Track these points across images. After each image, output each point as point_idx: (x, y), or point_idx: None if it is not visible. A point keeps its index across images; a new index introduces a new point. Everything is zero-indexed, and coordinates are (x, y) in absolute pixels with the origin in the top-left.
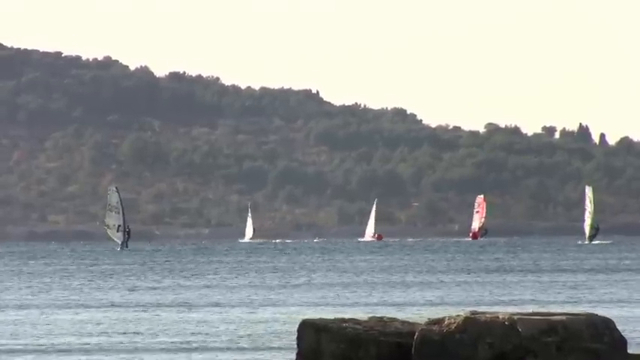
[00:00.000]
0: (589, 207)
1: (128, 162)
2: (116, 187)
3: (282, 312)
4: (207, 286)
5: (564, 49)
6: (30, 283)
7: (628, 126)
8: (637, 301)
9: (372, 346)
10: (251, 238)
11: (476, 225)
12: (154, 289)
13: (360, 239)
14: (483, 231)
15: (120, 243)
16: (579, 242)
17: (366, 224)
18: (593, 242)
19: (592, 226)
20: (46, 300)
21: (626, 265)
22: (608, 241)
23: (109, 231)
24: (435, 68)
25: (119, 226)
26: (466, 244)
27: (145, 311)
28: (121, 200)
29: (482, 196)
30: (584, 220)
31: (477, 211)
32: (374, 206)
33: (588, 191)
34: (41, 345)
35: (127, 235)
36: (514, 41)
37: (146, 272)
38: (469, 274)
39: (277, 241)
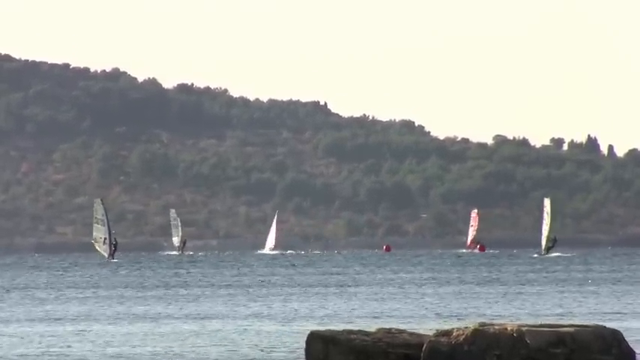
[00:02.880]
0: (546, 218)
1: (136, 174)
2: (101, 200)
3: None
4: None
5: (572, 61)
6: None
7: (636, 138)
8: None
9: (380, 358)
10: (182, 250)
11: (469, 238)
12: None
13: (259, 251)
14: (475, 243)
15: (106, 256)
16: (535, 255)
17: (375, 235)
18: (551, 254)
19: (549, 238)
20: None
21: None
22: (569, 254)
23: (96, 244)
24: (443, 80)
25: (105, 238)
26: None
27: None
28: (106, 212)
29: (476, 210)
30: (541, 233)
31: (472, 225)
32: (275, 217)
33: (546, 203)
34: None
35: (114, 247)
36: (522, 53)
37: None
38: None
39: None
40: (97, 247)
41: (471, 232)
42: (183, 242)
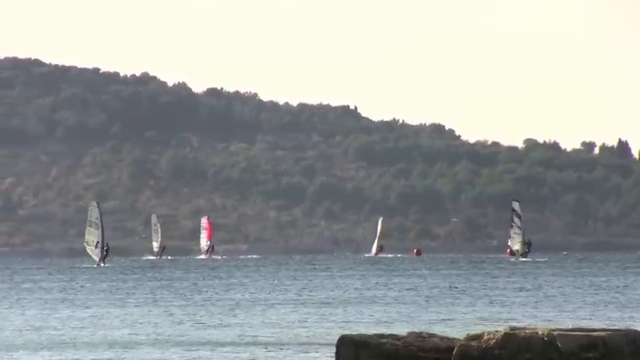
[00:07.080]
0: (518, 222)
1: (166, 178)
2: (97, 203)
3: None
4: None
5: (604, 64)
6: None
7: None
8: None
9: None
10: (160, 255)
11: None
12: None
13: (197, 257)
14: (378, 248)
15: (97, 260)
16: (512, 259)
17: (406, 240)
18: (526, 259)
19: (524, 242)
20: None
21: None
22: (543, 259)
23: (87, 248)
24: (473, 84)
25: (97, 242)
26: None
27: None
28: (101, 216)
29: (382, 218)
30: (511, 237)
31: (378, 234)
32: (205, 221)
33: (516, 206)
34: None
35: (106, 252)
36: (553, 56)
37: None
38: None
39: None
40: (88, 251)
41: (377, 241)
42: (162, 248)
